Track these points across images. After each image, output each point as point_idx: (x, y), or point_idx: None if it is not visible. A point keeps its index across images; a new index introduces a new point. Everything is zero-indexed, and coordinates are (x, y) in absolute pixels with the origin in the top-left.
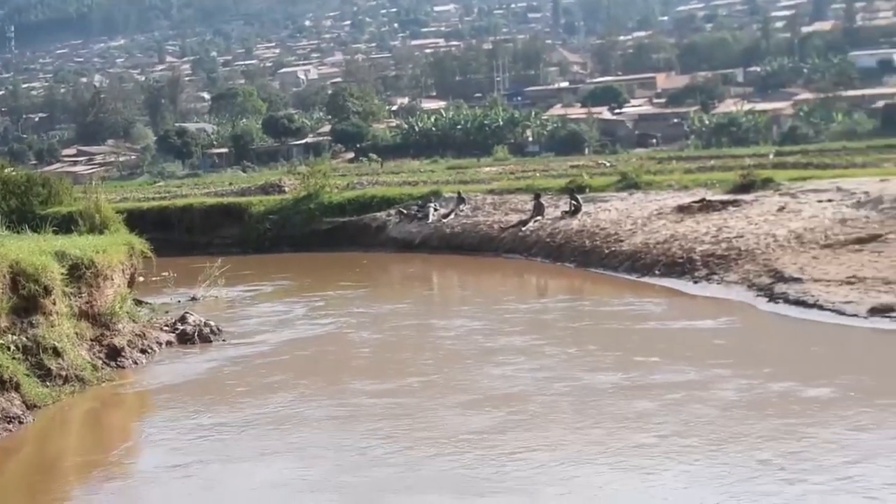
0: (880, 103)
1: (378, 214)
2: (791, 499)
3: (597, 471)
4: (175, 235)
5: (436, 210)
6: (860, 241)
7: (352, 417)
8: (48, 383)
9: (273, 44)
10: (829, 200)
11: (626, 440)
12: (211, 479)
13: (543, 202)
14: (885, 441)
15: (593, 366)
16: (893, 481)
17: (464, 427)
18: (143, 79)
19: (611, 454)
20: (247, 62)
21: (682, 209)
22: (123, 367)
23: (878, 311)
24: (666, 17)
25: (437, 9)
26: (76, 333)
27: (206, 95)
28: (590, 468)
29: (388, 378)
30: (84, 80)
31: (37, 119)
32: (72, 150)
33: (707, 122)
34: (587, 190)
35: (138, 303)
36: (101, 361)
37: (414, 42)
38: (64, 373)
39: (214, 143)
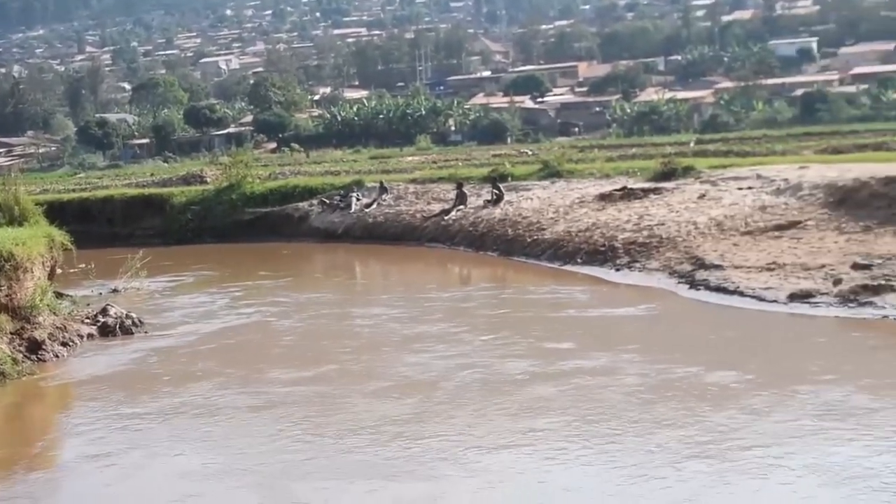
0: (800, 91)
1: (300, 204)
2: (681, 481)
3: (499, 456)
4: (96, 227)
5: (358, 200)
6: (780, 227)
7: (267, 405)
8: None
9: (194, 33)
10: (749, 188)
11: (530, 426)
12: (128, 469)
13: (466, 191)
14: (777, 424)
15: (506, 353)
16: (781, 463)
17: (375, 414)
18: (63, 69)
19: (514, 440)
20: (168, 52)
21: (604, 197)
22: (44, 361)
23: (797, 296)
24: (587, 7)
25: None
26: None
27: (127, 86)
28: (492, 454)
29: (305, 366)
30: (2, 70)
31: None
32: None
33: (629, 110)
34: (509, 179)
35: (59, 295)
36: (21, 355)
37: (336, 31)
38: None
39: (136, 133)
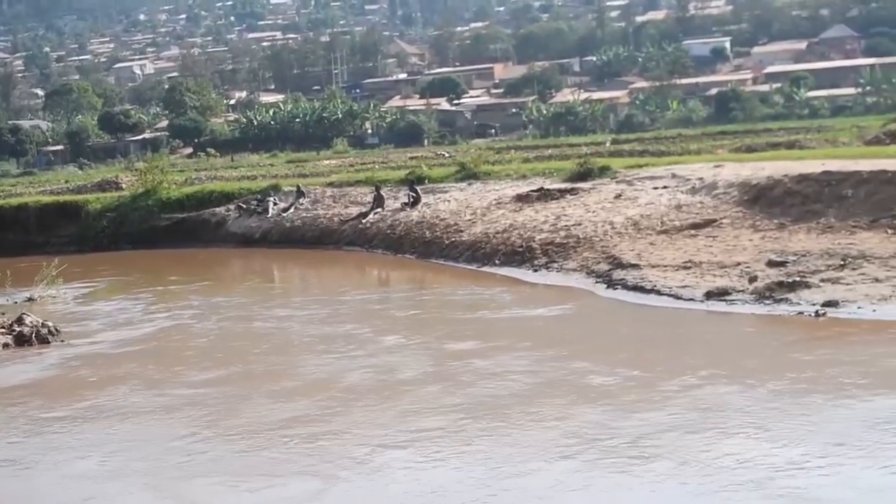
0: (714, 91)
1: (217, 210)
2: (546, 477)
3: (382, 455)
4: (10, 235)
5: (275, 204)
6: (695, 226)
7: (173, 408)
8: None
9: (107, 38)
10: (665, 187)
11: (415, 425)
12: (32, 471)
13: (384, 194)
14: (661, 421)
15: (409, 355)
16: (651, 457)
17: (270, 415)
18: None
19: (398, 439)
20: (81, 58)
21: (521, 198)
22: None
23: (713, 294)
24: (502, 8)
25: (273, 1)
26: None
27: (40, 92)
28: (378, 452)
29: (214, 369)
30: None
31: None
32: None
33: (545, 111)
34: (426, 181)
35: None
36: None
37: (251, 35)
38: None
39: (50, 140)
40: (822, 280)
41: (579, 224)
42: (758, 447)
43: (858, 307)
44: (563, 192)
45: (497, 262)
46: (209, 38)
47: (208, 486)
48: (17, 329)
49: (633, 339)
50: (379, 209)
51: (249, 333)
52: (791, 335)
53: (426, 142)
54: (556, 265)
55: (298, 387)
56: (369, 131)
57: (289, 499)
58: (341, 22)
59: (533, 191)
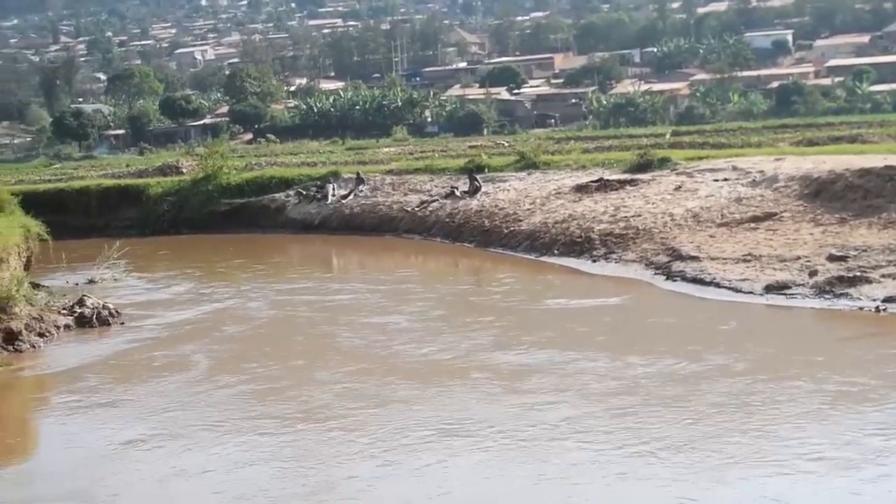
0: (775, 84)
1: (277, 195)
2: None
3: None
4: (72, 218)
5: (335, 191)
6: (756, 219)
7: (238, 394)
8: None
9: (169, 24)
10: (725, 179)
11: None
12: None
13: (477, 182)
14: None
15: (444, 342)
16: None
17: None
18: (38, 59)
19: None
20: (143, 42)
21: (581, 189)
22: (21, 351)
23: (773, 288)
24: None
25: None
26: None
27: (102, 76)
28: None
29: (274, 356)
30: None
31: None
32: None
33: (605, 102)
34: (486, 170)
35: (35, 286)
36: None
37: (311, 22)
38: None
39: (111, 124)
40: (883, 275)
41: (639, 215)
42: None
43: None
44: (622, 183)
45: (556, 251)
46: (270, 25)
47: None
48: (79, 311)
49: (693, 331)
50: (476, 192)
51: (307, 320)
52: (849, 330)
53: (485, 131)
54: (615, 256)
55: (368, 368)
56: (429, 120)
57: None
58: (402, 10)
59: (592, 181)
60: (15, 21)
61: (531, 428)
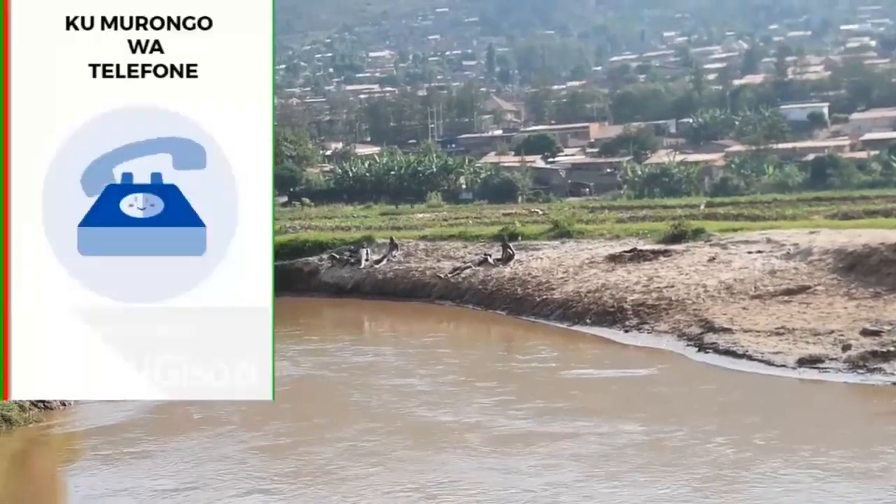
0: (811, 156)
1: (311, 259)
2: None
3: None
4: None
5: (368, 256)
6: (789, 292)
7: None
8: None
9: None
10: (759, 252)
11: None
12: None
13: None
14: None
15: (470, 411)
16: None
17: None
18: None
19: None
20: None
21: (614, 258)
22: (51, 408)
23: (806, 361)
24: (599, 68)
25: (372, 55)
26: None
27: None
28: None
29: (301, 418)
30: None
31: None
32: None
33: (639, 172)
34: (519, 238)
35: None
36: (28, 402)
37: (349, 87)
38: None
39: None
40: None
41: (672, 286)
42: None
43: None
44: (656, 254)
45: (588, 321)
46: (308, 89)
47: None
48: None
49: (724, 405)
50: (510, 261)
51: (337, 380)
52: (882, 405)
53: (520, 199)
54: (647, 326)
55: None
56: (463, 186)
57: None
58: (439, 77)
59: (626, 251)
60: None
61: (527, 493)
